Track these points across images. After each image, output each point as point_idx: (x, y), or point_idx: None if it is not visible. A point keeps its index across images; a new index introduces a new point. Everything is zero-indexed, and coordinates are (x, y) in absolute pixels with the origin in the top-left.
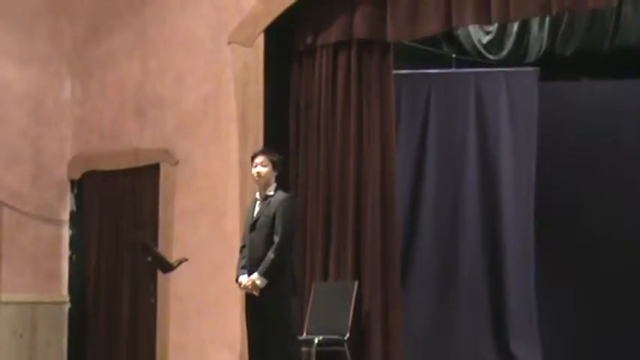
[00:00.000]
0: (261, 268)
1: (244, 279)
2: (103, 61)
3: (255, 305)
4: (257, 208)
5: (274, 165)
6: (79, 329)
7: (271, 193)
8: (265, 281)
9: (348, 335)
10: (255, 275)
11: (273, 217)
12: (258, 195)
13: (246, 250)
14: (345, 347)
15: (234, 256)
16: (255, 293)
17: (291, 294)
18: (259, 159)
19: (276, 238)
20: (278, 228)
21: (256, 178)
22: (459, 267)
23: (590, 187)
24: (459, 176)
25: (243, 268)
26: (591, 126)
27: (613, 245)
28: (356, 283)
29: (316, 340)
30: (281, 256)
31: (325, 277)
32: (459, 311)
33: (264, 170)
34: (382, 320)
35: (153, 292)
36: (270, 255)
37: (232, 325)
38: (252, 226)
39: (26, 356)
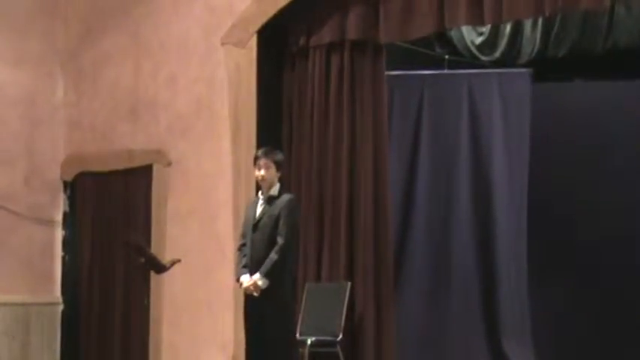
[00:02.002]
0: (263, 268)
1: (246, 279)
2: (96, 63)
3: (256, 307)
4: (260, 208)
5: (277, 166)
6: (72, 330)
7: (275, 193)
8: (267, 282)
9: (340, 336)
10: (257, 276)
11: (277, 218)
12: (260, 194)
13: (246, 248)
14: (338, 348)
15: (226, 257)
16: (256, 294)
17: (292, 296)
18: (262, 161)
19: (280, 240)
20: (282, 229)
21: (260, 181)
22: (451, 267)
23: (583, 188)
24: (451, 177)
25: (244, 267)
26: (584, 127)
27: (606, 245)
28: (349, 284)
29: (309, 341)
30: (283, 258)
31: (318, 278)
32: (451, 311)
33: (267, 172)
34: (375, 321)
35: (146, 293)
36: (273, 256)
37: (225, 325)
38: (255, 225)
39: (19, 358)
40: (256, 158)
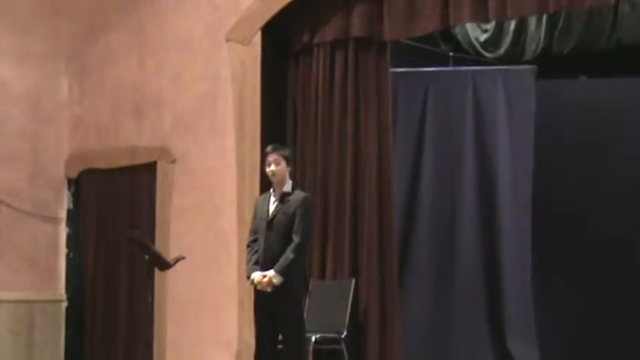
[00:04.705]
0: (279, 266)
1: (257, 275)
2: (101, 60)
3: (268, 305)
4: (273, 205)
5: (287, 161)
6: (77, 327)
7: (289, 190)
8: (281, 279)
9: (345, 333)
10: (272, 272)
11: (292, 216)
12: (272, 191)
13: (257, 245)
14: (342, 345)
15: (231, 254)
16: (268, 289)
17: (303, 294)
18: (272, 157)
19: (297, 239)
20: (299, 228)
21: (271, 177)
22: (456, 265)
23: (588, 185)
24: (456, 174)
25: (255, 264)
26: (589, 124)
27: (611, 244)
28: (353, 281)
29: (313, 338)
30: (300, 257)
31: (323, 275)
32: (456, 309)
33: (278, 168)
34: (379, 318)
35: (150, 290)
36: (290, 255)
37: (229, 323)
38: (269, 223)
39: (23, 355)
40: (266, 154)
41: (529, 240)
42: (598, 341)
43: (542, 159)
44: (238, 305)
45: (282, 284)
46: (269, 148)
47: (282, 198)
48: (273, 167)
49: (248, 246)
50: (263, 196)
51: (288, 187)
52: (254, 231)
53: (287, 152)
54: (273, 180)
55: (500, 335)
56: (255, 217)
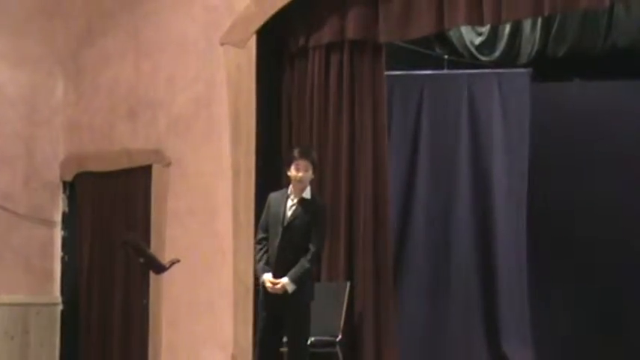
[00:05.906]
0: (294, 274)
1: (268, 277)
2: (96, 63)
3: (276, 307)
4: (290, 209)
5: (314, 167)
6: (72, 330)
7: (308, 196)
8: (294, 287)
9: (340, 336)
10: (286, 280)
11: (309, 224)
12: (291, 192)
13: (267, 243)
14: (337, 348)
15: (226, 257)
16: (279, 292)
17: (311, 300)
18: (302, 162)
19: (313, 247)
20: (315, 237)
21: (297, 182)
22: (451, 267)
23: (582, 188)
24: (451, 177)
25: (266, 264)
26: (584, 127)
27: (605, 246)
28: (348, 284)
29: (308, 342)
30: (314, 267)
31: (318, 277)
32: (451, 311)
33: (305, 174)
34: (375, 321)
35: (145, 293)
36: (306, 264)
37: (225, 325)
38: (286, 226)
39: (18, 358)
40: (294, 158)
41: (524, 241)
42: (593, 342)
43: (538, 161)
44: (234, 307)
45: (295, 292)
46: (298, 153)
47: (302, 203)
48: (301, 174)
49: (258, 243)
50: (279, 194)
51: (307, 193)
52: (265, 228)
53: (315, 158)
54: (298, 185)
55: (495, 336)
56: (268, 213)
